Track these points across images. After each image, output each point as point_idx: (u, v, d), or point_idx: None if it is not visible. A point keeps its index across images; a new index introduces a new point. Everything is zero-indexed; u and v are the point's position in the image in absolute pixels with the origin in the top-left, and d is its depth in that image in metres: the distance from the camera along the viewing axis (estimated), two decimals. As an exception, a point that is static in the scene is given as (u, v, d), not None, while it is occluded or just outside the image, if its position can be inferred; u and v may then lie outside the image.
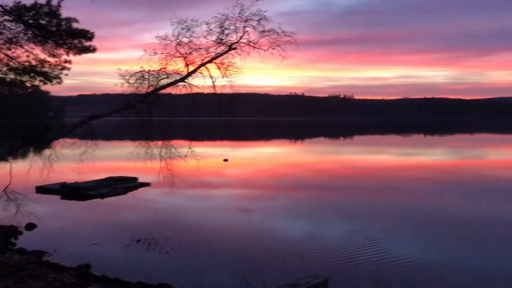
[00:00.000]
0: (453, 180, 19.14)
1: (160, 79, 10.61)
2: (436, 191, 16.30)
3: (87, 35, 10.26)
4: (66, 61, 10.53)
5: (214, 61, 10.78)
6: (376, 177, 19.94)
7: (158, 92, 10.52)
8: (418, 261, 8.22)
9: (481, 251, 8.97)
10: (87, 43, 10.40)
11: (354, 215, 12.22)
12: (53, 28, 9.83)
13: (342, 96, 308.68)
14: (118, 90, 10.64)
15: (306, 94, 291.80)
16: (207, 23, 10.62)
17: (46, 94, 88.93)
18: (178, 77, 10.72)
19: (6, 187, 9.42)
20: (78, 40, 10.22)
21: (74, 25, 9.97)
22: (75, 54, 10.48)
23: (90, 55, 10.75)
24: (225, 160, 25.95)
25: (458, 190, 16.61)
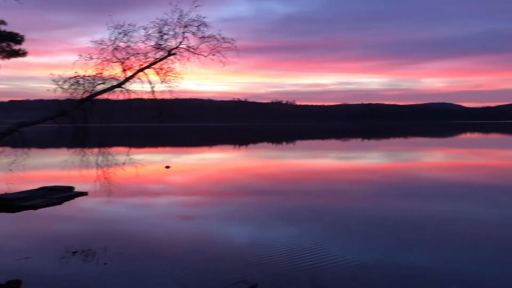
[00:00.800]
0: (390, 182, 20.02)
1: (96, 85, 10.30)
2: (375, 193, 16.97)
3: (16, 38, 9.78)
4: (-8, 65, 9.95)
5: (153, 66, 10.63)
6: (317, 181, 20.46)
7: (94, 98, 10.20)
8: (356, 263, 8.48)
9: (419, 250, 9.41)
10: (16, 47, 9.91)
11: (295, 219, 12.44)
12: (-22, 30, 9.28)
13: (284, 102, 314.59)
14: (53, 96, 10.21)
15: (249, 100, 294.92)
16: (145, 28, 10.47)
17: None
18: (115, 83, 10.46)
19: None
20: (6, 43, 9.70)
21: (2, 27, 9.46)
22: (3, 58, 9.94)
23: (21, 59, 10.24)
24: (167, 167, 25.54)
25: (395, 191, 17.41)
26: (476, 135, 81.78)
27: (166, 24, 10.20)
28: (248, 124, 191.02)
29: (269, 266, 8.26)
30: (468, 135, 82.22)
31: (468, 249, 9.39)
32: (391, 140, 65.45)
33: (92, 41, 10.40)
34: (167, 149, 48.09)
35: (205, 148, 49.49)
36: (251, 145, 54.40)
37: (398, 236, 10.46)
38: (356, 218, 12.44)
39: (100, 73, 10.23)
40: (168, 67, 10.42)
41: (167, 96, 10.75)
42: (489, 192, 17.07)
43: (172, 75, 10.45)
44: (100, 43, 10.31)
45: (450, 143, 59.51)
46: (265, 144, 58.65)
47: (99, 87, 10.21)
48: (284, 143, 59.53)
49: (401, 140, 66.67)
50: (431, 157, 34.57)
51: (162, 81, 10.44)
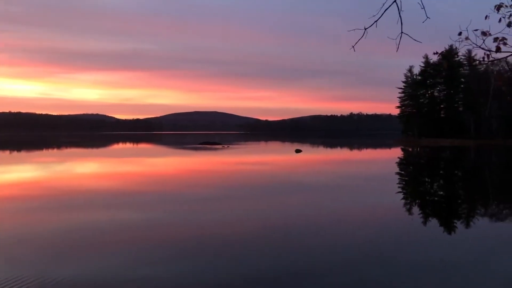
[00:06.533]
0: (41, 195, 18.66)
1: None
2: (25, 209, 15.43)
3: None
4: None
5: None
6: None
7: None
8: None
9: (82, 260, 9.05)
10: None
11: None
12: None
13: None
14: None
15: None
16: None
17: None
18: None
19: None
20: None
21: None
22: None
23: None
24: None
25: (47, 205, 16.32)
26: (127, 145, 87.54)
27: None
28: None
29: None
30: (120, 145, 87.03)
31: (127, 252, 9.79)
32: (44, 152, 61.80)
33: None
34: None
35: None
36: None
37: (52, 251, 9.84)
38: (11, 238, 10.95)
39: None
40: None
41: None
42: (134, 198, 18.44)
43: None
44: None
45: (103, 153, 61.33)
46: None
47: None
48: None
49: (54, 151, 63.87)
50: (84, 167, 34.57)
51: None
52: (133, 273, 8.44)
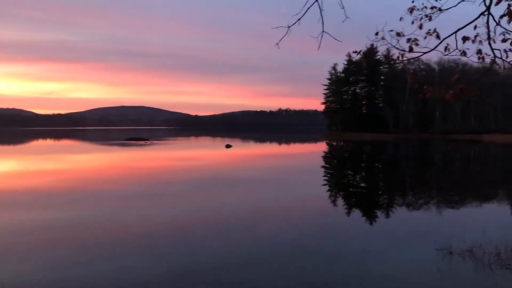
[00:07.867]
0: None
1: None
2: None
3: None
4: None
5: None
6: None
7: None
8: None
9: None
10: None
11: None
12: None
13: None
14: None
15: None
16: None
17: None
18: None
19: None
20: None
21: None
22: None
23: None
24: None
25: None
26: (47, 142, 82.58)
27: None
28: None
29: None
30: (40, 142, 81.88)
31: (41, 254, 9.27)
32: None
33: None
34: None
35: None
36: None
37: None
38: None
39: None
40: None
41: None
42: (52, 197, 17.54)
43: None
44: None
45: (18, 150, 57.38)
46: None
47: None
48: None
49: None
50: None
51: None
52: (54, 275, 8.01)
